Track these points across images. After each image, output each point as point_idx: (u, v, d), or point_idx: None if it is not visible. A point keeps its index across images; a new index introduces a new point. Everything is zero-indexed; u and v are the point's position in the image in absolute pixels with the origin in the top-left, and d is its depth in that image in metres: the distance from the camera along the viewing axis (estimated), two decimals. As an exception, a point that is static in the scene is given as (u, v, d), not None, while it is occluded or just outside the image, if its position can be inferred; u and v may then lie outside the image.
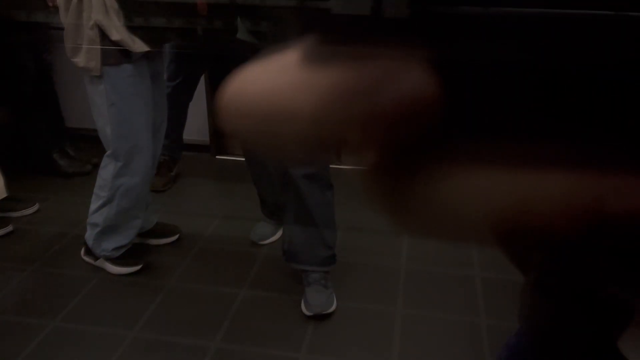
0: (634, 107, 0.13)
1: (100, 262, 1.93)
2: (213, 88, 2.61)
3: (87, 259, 1.96)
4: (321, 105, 0.16)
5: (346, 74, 0.16)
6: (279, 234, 2.08)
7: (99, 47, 1.61)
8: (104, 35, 1.60)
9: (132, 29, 1.60)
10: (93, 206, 1.87)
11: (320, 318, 1.69)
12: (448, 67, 0.15)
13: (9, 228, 2.17)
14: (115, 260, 1.90)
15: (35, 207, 2.34)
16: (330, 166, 1.74)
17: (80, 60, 1.64)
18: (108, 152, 1.79)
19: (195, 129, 2.74)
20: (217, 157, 2.88)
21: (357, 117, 0.16)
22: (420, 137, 0.16)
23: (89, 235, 1.91)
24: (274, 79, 0.18)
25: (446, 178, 0.15)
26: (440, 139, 0.15)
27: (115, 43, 1.61)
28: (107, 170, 1.80)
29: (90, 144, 2.53)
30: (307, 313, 1.69)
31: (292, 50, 0.18)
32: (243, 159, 2.30)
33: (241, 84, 0.19)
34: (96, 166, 1.88)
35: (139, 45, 1.62)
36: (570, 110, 0.14)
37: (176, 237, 2.11)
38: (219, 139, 2.86)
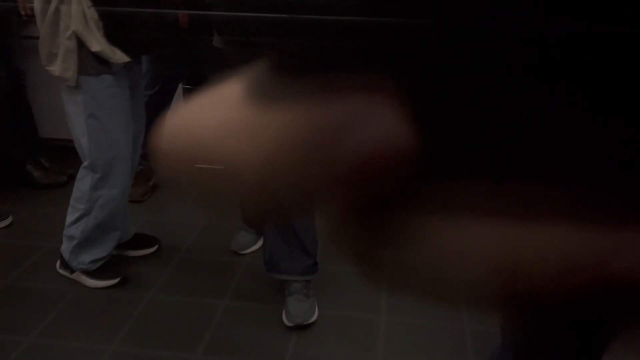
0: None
1: (77, 276, 1.89)
2: (191, 97, 2.60)
3: (62, 272, 1.92)
4: (269, 155, 0.13)
5: (300, 115, 0.13)
6: (260, 243, 2.07)
7: (77, 57, 1.59)
8: (81, 45, 1.58)
9: (112, 39, 1.58)
10: (70, 218, 1.83)
11: (302, 328, 1.68)
12: (423, 102, 0.12)
13: (-19, 242, 2.12)
14: (93, 273, 1.86)
15: (9, 220, 2.28)
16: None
17: (55, 69, 1.61)
18: (85, 164, 1.76)
19: (173, 138, 2.71)
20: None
21: (314, 168, 0.13)
22: (392, 185, 0.13)
23: (65, 248, 1.86)
24: (213, 118, 0.14)
25: (423, 230, 0.13)
26: (415, 185, 0.13)
27: (94, 53, 1.58)
28: (84, 182, 1.77)
29: (65, 155, 2.48)
30: (288, 324, 1.68)
31: (234, 81, 0.15)
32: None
33: (181, 121, 0.15)
34: (71, 177, 1.85)
35: (119, 56, 1.60)
36: (567, 150, 0.12)
37: (155, 247, 2.08)
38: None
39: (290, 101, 0.13)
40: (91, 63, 1.60)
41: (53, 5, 1.55)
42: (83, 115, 1.67)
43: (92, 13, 1.54)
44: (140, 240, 2.07)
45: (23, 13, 2.47)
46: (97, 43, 1.56)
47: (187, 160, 0.15)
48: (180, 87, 2.52)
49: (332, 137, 0.12)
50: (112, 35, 1.57)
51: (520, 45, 0.11)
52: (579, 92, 0.11)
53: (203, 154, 0.14)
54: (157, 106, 2.34)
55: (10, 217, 2.29)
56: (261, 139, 0.13)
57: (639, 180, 0.12)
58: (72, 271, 1.89)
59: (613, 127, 0.11)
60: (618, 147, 0.11)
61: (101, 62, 1.61)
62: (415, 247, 0.13)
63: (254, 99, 0.14)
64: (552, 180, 0.12)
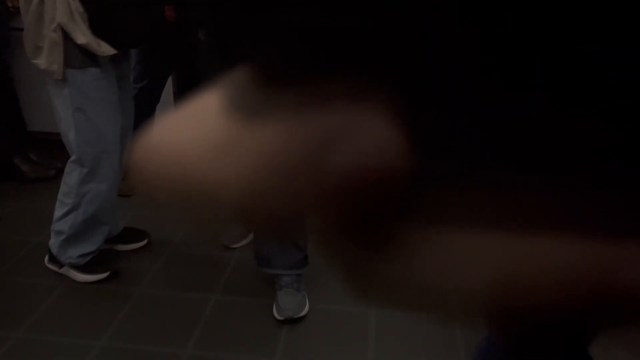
0: None
1: (65, 270, 1.87)
2: (180, 90, 2.58)
3: (51, 266, 1.91)
4: (251, 176, 0.12)
5: (284, 130, 0.12)
6: (250, 237, 2.06)
7: (63, 50, 1.56)
8: (67, 38, 1.56)
9: (98, 32, 1.56)
10: (58, 213, 1.82)
11: (293, 322, 1.67)
12: (417, 112, 0.11)
13: (-31, 236, 2.10)
14: (82, 268, 1.85)
15: (-4, 214, 2.26)
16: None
17: (41, 62, 1.60)
18: (72, 158, 1.74)
19: (163, 131, 2.69)
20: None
21: (301, 189, 0.12)
22: (384, 200, 0.12)
23: (54, 242, 1.85)
24: (191, 134, 0.13)
25: (417, 243, 0.12)
26: (408, 196, 0.12)
27: (80, 46, 1.56)
28: (71, 176, 1.75)
29: (53, 149, 2.46)
30: (279, 317, 1.68)
31: (212, 93, 0.13)
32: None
33: (156, 138, 0.14)
34: (60, 171, 1.83)
35: (105, 49, 1.58)
36: (572, 157, 0.11)
37: (145, 242, 2.07)
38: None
39: (273, 113, 0.12)
40: (77, 56, 1.59)
41: (37, -4, 1.53)
42: (70, 108, 1.65)
43: (76, 5, 1.52)
44: (129, 235, 2.06)
45: (10, 5, 2.44)
46: (83, 35, 1.54)
47: (164, 180, 0.13)
48: (170, 80, 2.50)
49: (319, 151, 0.11)
50: (98, 27, 1.55)
51: (513, 51, 0.11)
52: (582, 99, 0.11)
53: (180, 174, 0.13)
54: (146, 99, 2.32)
55: (-3, 211, 2.27)
56: (242, 155, 0.12)
57: None
58: (60, 265, 1.87)
59: (619, 135, 0.11)
60: (623, 155, 0.11)
61: (87, 55, 1.59)
62: (408, 260, 0.12)
63: (234, 112, 0.13)
64: (553, 189, 0.11)
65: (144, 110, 2.26)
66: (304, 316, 1.70)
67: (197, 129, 0.13)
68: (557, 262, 0.11)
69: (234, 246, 2.07)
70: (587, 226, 0.11)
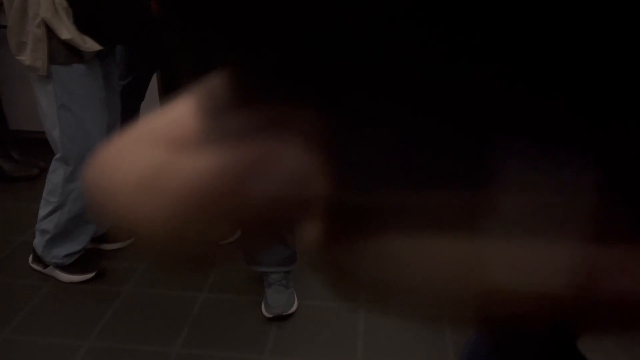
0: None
1: (50, 270, 1.85)
2: (165, 87, 2.56)
3: (35, 266, 1.88)
4: (175, 208, 0.12)
5: (206, 161, 0.12)
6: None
7: (47, 46, 1.54)
8: (51, 33, 1.53)
9: (83, 27, 1.54)
10: (42, 212, 1.79)
11: (282, 319, 1.67)
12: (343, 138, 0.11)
13: (-50, 237, 2.06)
14: (67, 268, 1.83)
15: (-22, 214, 2.23)
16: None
17: (25, 58, 1.57)
18: (57, 156, 1.72)
19: (148, 129, 2.66)
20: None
21: (221, 219, 0.12)
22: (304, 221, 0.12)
23: (38, 242, 1.82)
24: (123, 165, 0.13)
25: (399, 250, 0.12)
26: (390, 204, 0.12)
27: (64, 42, 1.54)
28: (56, 174, 1.73)
29: (35, 147, 2.42)
30: (267, 315, 1.68)
31: (150, 121, 0.13)
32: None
33: (99, 164, 0.14)
34: (43, 170, 1.80)
35: (90, 45, 1.56)
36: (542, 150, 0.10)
37: (131, 240, 2.04)
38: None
39: (200, 145, 0.12)
40: (62, 52, 1.56)
41: (21, -9, 1.50)
42: (54, 105, 1.63)
43: (60, 0, 1.50)
44: (115, 233, 2.04)
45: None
46: (67, 31, 1.52)
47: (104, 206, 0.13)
48: (154, 77, 2.48)
49: (239, 183, 0.11)
50: (82, 23, 1.53)
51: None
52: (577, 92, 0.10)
53: (113, 208, 0.13)
54: (130, 96, 2.30)
55: (-21, 211, 2.24)
56: (166, 189, 0.12)
57: (615, 197, 0.10)
58: (45, 265, 1.85)
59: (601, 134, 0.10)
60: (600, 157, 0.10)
61: (72, 51, 1.57)
62: (391, 267, 0.12)
63: (165, 142, 0.13)
64: (534, 199, 0.11)
65: (128, 109, 2.23)
66: (293, 313, 1.70)
67: (130, 161, 0.13)
68: (539, 268, 0.11)
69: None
70: (569, 232, 0.11)
